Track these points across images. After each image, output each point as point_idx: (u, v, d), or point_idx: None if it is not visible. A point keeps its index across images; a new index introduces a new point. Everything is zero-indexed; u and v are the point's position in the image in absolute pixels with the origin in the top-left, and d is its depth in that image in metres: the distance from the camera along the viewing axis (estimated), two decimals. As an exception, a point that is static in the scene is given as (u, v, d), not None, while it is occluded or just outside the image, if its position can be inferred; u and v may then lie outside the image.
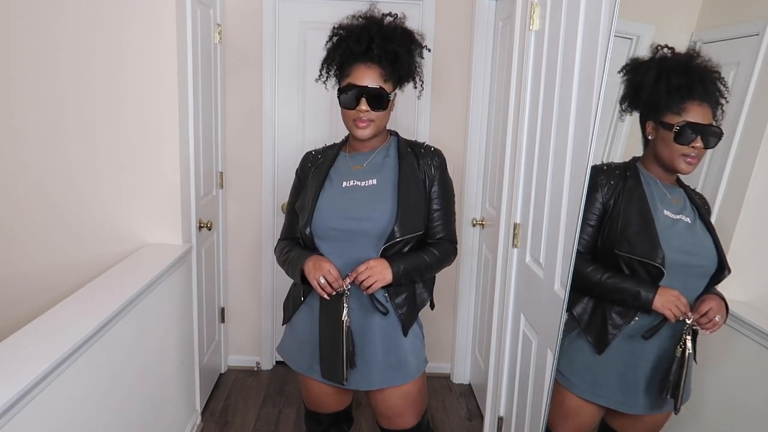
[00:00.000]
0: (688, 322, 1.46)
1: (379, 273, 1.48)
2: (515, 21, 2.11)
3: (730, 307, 1.70)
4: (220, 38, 2.74)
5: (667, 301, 1.46)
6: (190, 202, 2.40)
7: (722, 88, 1.53)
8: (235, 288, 3.08)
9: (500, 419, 2.25)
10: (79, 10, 2.12)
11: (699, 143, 1.47)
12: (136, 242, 2.30)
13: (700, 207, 1.61)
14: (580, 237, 1.56)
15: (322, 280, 1.47)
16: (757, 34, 1.90)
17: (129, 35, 2.15)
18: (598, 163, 1.73)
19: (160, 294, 2.06)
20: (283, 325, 1.74)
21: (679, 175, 1.60)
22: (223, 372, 3.12)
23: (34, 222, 2.28)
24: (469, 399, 2.97)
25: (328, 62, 1.59)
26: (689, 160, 1.50)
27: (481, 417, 2.66)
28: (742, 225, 1.92)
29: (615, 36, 1.33)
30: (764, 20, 1.88)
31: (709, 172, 2.10)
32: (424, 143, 1.69)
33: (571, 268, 1.52)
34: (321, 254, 1.55)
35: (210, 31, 2.61)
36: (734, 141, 1.96)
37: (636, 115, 1.66)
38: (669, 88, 1.50)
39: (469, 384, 3.12)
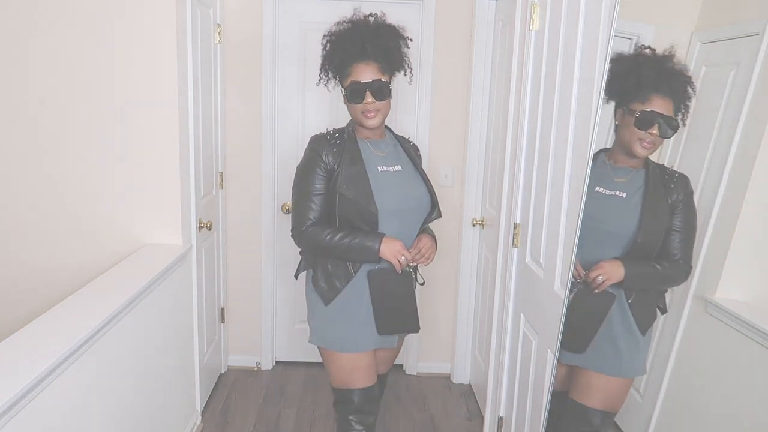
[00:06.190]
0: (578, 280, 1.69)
1: (430, 249, 1.82)
2: (515, 21, 2.11)
3: (730, 306, 1.90)
4: (220, 38, 2.74)
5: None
6: (190, 202, 2.39)
7: (690, 91, 1.70)
8: (235, 288, 3.08)
9: (500, 419, 2.25)
10: (80, 11, 2.12)
11: (655, 130, 1.65)
12: (136, 242, 2.30)
13: (656, 186, 1.72)
14: None
15: (402, 259, 1.71)
16: (757, 34, 1.90)
17: (129, 35, 2.15)
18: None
19: (160, 294, 2.06)
20: (326, 305, 1.79)
21: (638, 157, 1.73)
22: (223, 372, 3.12)
23: (33, 223, 2.28)
24: (469, 399, 2.97)
25: (327, 66, 1.78)
26: (645, 144, 1.67)
27: (481, 417, 2.66)
28: (742, 225, 1.92)
29: (615, 36, 1.33)
30: (764, 20, 1.88)
31: (709, 172, 2.10)
32: (402, 135, 1.96)
33: (571, 268, 1.54)
34: (379, 233, 1.73)
35: (210, 31, 2.61)
36: (734, 141, 1.96)
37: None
38: (640, 79, 1.66)
39: (469, 384, 3.12)
